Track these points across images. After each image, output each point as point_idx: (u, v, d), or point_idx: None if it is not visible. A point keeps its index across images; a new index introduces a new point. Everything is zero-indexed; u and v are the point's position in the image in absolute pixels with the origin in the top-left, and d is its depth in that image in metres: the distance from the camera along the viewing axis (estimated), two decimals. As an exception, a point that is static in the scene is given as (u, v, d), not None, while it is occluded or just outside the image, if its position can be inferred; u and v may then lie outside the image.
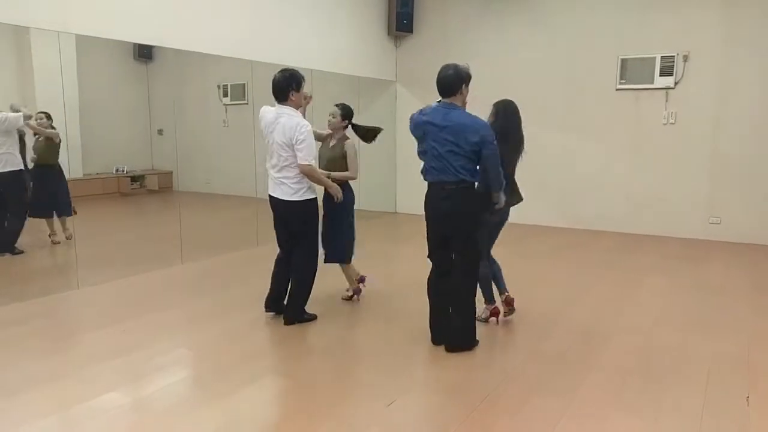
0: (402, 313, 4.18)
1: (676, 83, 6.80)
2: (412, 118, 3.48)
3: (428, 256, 3.61)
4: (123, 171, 8.22)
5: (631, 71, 7.02)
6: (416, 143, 3.48)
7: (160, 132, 8.22)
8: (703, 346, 3.64)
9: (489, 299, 4.02)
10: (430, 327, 3.61)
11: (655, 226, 7.10)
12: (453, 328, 3.52)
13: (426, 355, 3.56)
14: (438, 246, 3.54)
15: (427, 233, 3.57)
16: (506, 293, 4.07)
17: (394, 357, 3.47)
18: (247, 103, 8.04)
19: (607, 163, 7.33)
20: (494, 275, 4.03)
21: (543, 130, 7.56)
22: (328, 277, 4.50)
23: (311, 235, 3.99)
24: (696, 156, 6.83)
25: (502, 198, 3.53)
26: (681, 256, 6.11)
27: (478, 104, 3.71)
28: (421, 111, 3.44)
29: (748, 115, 6.53)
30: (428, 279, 3.62)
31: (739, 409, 2.86)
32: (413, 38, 8.39)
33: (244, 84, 8.12)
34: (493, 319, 4.03)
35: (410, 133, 3.51)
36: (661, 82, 6.85)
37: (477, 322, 3.65)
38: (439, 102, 3.39)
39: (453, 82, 3.31)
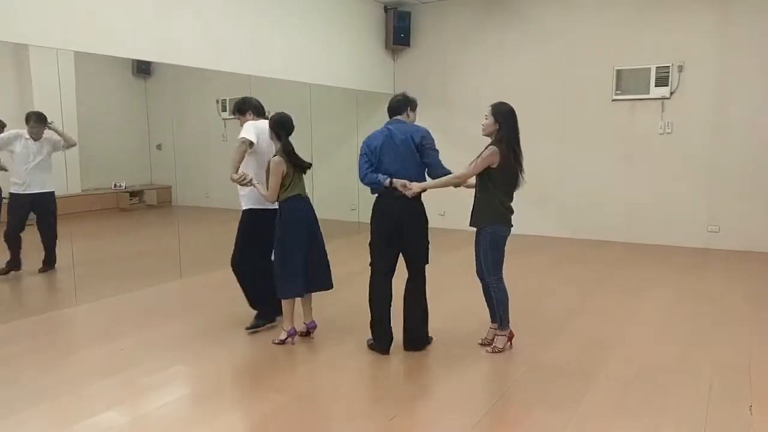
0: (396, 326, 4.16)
1: (671, 93, 6.84)
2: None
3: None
4: (122, 186, 8.24)
5: (626, 82, 7.06)
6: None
7: (158, 147, 8.25)
8: (705, 356, 3.62)
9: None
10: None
11: (654, 236, 7.10)
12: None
13: (426, 369, 3.54)
14: None
15: None
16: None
17: (393, 371, 3.45)
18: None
19: (605, 173, 7.35)
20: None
21: (541, 142, 7.59)
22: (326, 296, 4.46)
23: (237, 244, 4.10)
24: (693, 165, 6.85)
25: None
26: (681, 265, 6.10)
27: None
28: None
29: (745, 122, 6.56)
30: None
31: (743, 418, 2.84)
32: (410, 51, 8.45)
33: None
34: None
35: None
36: (656, 92, 6.89)
37: None
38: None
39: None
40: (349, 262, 6.30)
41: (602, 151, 7.34)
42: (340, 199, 8.08)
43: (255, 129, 3.94)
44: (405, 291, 3.71)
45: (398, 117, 3.69)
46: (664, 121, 6.95)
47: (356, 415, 2.93)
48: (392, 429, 2.77)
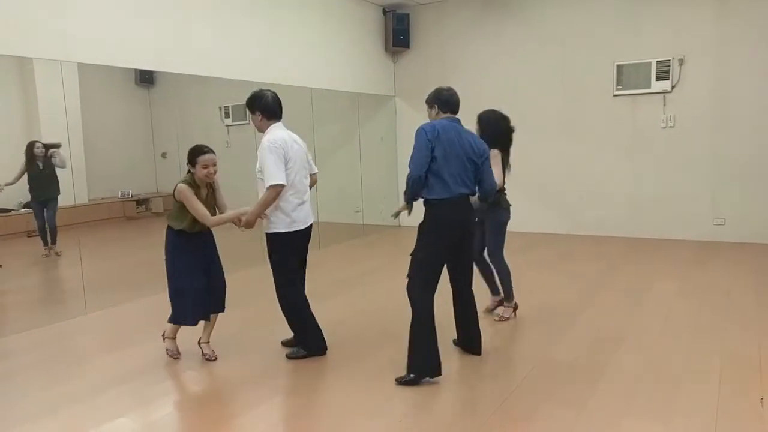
0: (403, 330, 4.17)
1: (673, 87, 6.83)
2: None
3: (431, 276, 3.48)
4: (128, 195, 8.27)
5: (627, 77, 7.06)
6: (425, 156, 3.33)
7: (163, 155, 8.28)
8: (714, 349, 3.62)
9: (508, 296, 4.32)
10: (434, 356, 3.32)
11: (660, 230, 7.09)
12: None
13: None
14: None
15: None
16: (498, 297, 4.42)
17: (400, 372, 3.45)
18: (248, 123, 8.10)
19: (609, 168, 7.34)
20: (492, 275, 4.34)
21: (542, 139, 7.60)
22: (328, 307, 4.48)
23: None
24: (697, 158, 6.84)
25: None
26: (687, 258, 6.09)
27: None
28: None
29: (747, 114, 6.55)
30: (428, 304, 3.38)
31: (754, 410, 2.84)
32: (410, 53, 8.47)
33: (245, 104, 8.21)
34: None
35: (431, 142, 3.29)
36: (658, 86, 6.88)
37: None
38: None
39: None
40: (354, 266, 6.33)
41: (605, 146, 7.33)
42: (343, 201, 8.11)
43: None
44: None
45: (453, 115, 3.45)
46: (666, 115, 6.94)
47: (365, 417, 2.94)
48: (402, 429, 2.79)
